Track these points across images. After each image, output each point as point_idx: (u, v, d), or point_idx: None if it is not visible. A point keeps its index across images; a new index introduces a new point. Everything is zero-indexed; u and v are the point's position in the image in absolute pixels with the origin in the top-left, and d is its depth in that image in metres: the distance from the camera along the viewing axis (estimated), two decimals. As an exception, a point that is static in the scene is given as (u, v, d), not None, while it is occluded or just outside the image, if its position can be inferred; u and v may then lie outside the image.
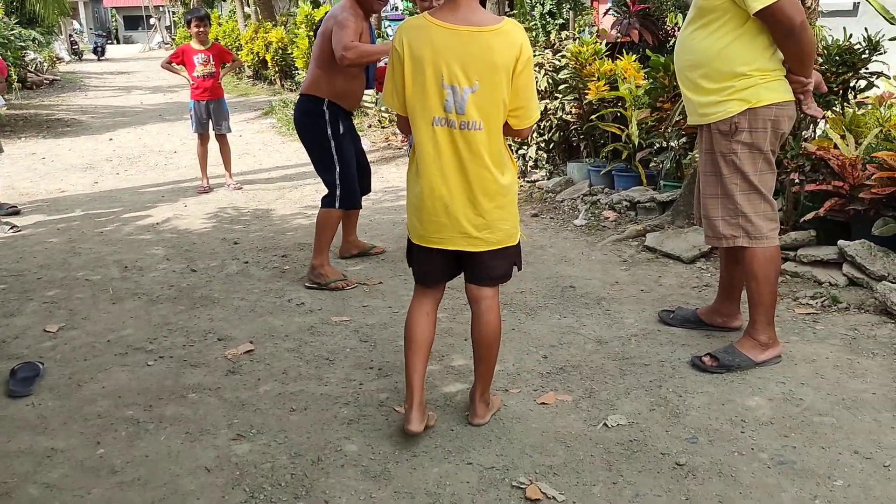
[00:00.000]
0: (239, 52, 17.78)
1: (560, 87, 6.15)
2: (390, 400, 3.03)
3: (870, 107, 4.39)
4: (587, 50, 5.99)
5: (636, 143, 5.41)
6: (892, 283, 3.51)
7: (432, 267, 2.69)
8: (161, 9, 46.70)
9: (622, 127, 5.52)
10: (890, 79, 4.46)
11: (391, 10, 14.27)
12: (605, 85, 5.62)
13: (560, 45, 6.69)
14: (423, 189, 2.53)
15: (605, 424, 2.80)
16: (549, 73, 6.22)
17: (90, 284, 4.50)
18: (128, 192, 7.08)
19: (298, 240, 5.28)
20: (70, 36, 34.94)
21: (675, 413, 2.85)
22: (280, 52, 15.22)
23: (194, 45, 6.91)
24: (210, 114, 6.95)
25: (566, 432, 2.76)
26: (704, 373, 3.13)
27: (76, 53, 34.32)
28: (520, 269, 2.77)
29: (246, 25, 18.72)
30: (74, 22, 42.16)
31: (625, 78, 5.51)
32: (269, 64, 15.94)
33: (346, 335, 3.67)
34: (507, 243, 2.61)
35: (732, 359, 3.13)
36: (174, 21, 39.00)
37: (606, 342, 3.48)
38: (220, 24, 21.28)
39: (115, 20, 56.02)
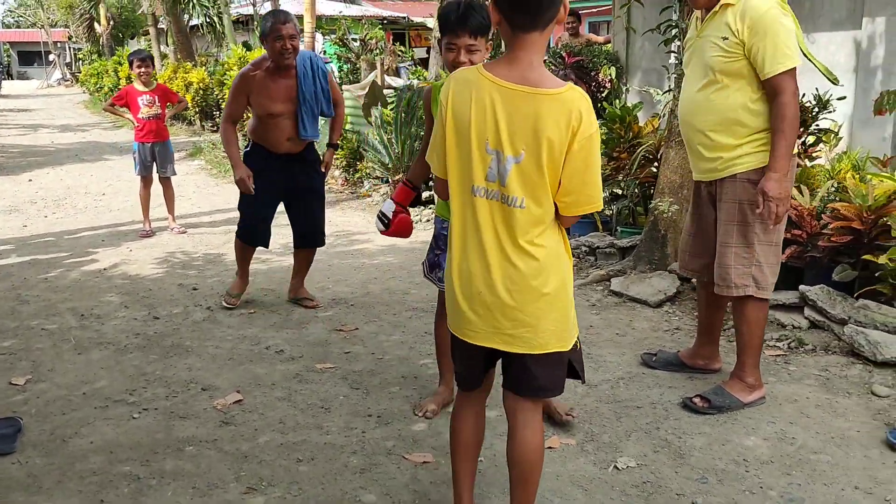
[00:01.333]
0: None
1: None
2: (397, 448, 3.01)
3: (821, 160, 4.70)
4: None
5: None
6: (855, 325, 3.74)
7: (470, 364, 2.30)
8: (60, 45, 45.27)
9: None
10: (838, 135, 4.78)
11: (319, 54, 14.31)
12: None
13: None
14: (456, 269, 2.18)
15: (615, 467, 2.86)
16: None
17: (48, 334, 4.29)
18: (63, 236, 6.78)
19: (259, 284, 5.19)
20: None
21: (680, 454, 2.94)
22: (201, 92, 14.99)
23: (138, 86, 6.76)
24: (155, 156, 6.79)
25: (580, 476, 2.81)
26: (697, 414, 3.25)
27: None
28: (582, 381, 2.39)
29: (163, 65, 18.37)
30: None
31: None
32: (190, 105, 15.66)
33: (335, 382, 3.63)
34: (554, 348, 2.17)
35: (723, 400, 3.26)
36: (76, 57, 37.87)
37: (595, 385, 3.57)
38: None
39: (9, 55, 53.89)
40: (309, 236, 4.70)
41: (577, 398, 3.42)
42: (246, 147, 4.63)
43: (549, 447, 3.01)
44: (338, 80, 11.57)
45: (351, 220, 7.33)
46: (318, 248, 4.83)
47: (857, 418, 3.19)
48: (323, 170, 4.71)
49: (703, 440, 3.04)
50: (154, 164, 6.82)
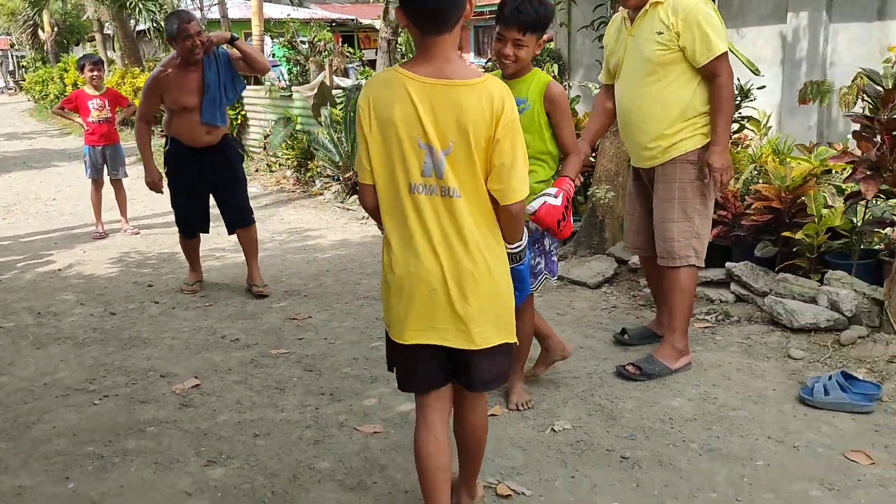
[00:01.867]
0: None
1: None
2: (349, 421, 3.20)
3: (745, 145, 5.00)
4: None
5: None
6: (775, 296, 4.03)
7: (422, 370, 2.23)
8: (1, 53, 44.33)
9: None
10: (760, 123, 5.09)
11: (268, 56, 14.38)
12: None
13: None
14: (403, 270, 2.12)
15: (552, 430, 3.08)
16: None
17: (5, 332, 4.38)
18: (15, 241, 6.81)
19: (213, 279, 5.32)
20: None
21: (612, 416, 3.18)
22: (150, 97, 14.93)
23: (88, 90, 6.83)
24: (106, 159, 6.89)
25: (519, 438, 3.03)
26: (629, 380, 3.50)
27: None
28: (511, 371, 2.45)
29: (110, 71, 18.21)
30: None
31: (521, 122, 5.95)
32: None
33: (289, 366, 3.80)
34: (499, 340, 2.19)
35: (653, 367, 3.52)
36: (19, 65, 37.14)
37: (535, 360, 3.78)
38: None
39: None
40: (236, 218, 4.93)
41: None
42: (166, 145, 4.87)
43: (493, 415, 3.22)
44: (287, 82, 11.67)
45: (303, 217, 7.47)
46: (258, 234, 5.06)
47: (774, 379, 3.47)
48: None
49: (633, 403, 3.29)
50: (105, 166, 6.91)
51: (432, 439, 2.25)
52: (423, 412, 2.28)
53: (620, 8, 3.60)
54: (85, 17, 25.09)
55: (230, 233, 5.06)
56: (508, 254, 2.27)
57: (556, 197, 2.85)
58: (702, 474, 2.74)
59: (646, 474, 2.75)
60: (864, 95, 3.89)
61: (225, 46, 4.81)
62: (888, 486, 2.62)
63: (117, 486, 2.74)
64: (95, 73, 6.79)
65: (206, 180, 4.84)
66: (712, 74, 3.33)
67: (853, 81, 4.82)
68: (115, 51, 19.68)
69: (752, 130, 6.28)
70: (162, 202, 8.61)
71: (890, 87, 3.77)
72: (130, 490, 2.73)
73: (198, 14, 17.44)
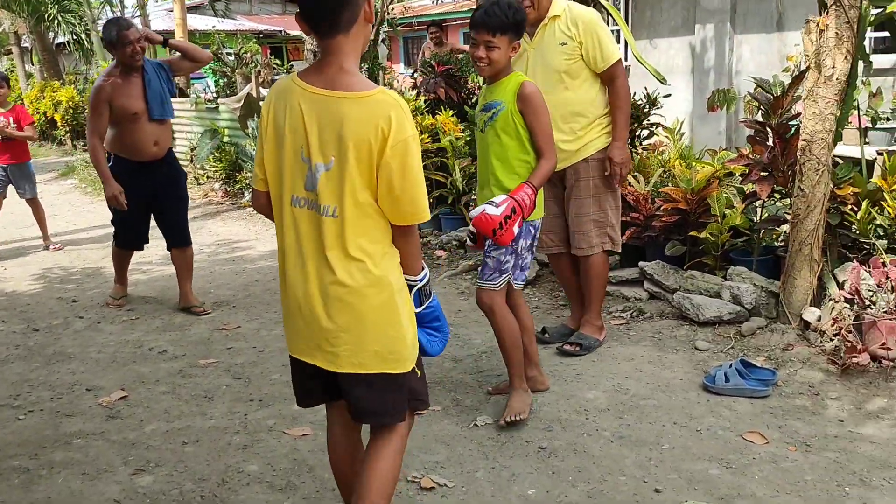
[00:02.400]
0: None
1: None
2: (278, 425, 3.28)
3: (654, 152, 5.26)
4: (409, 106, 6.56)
5: (460, 189, 6.01)
6: (684, 292, 4.27)
7: (303, 385, 2.24)
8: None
9: (446, 175, 6.11)
10: (668, 128, 5.36)
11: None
12: (428, 138, 6.20)
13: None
14: (284, 282, 2.11)
15: (475, 424, 3.23)
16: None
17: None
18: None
19: (140, 293, 5.31)
20: None
21: (531, 410, 3.34)
22: (71, 111, 14.65)
23: None
24: (10, 178, 6.74)
25: (444, 434, 3.17)
26: (571, 356, 3.86)
27: None
28: (425, 406, 2.29)
29: (29, 84, 17.75)
30: None
31: (445, 131, 6.12)
32: (59, 124, 15.25)
33: (217, 375, 3.85)
34: (379, 369, 2.06)
35: (587, 342, 3.89)
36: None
37: (461, 360, 3.94)
38: (-5, 83, 19.96)
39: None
40: (178, 237, 4.92)
41: (445, 372, 3.78)
42: (109, 163, 4.73)
43: (418, 413, 3.34)
44: (213, 94, 11.60)
45: (232, 229, 7.48)
46: (193, 255, 5.05)
47: (682, 369, 3.69)
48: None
49: (551, 397, 3.46)
50: (10, 185, 6.77)
51: (332, 453, 2.34)
52: (327, 425, 2.33)
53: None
54: (1, 30, 24.34)
55: (169, 248, 4.99)
56: (411, 288, 2.13)
57: (497, 206, 2.95)
58: (613, 459, 2.92)
59: (561, 462, 2.91)
60: (757, 102, 4.16)
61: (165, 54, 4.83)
62: (779, 463, 2.85)
63: (45, 498, 2.77)
64: (2, 90, 6.63)
65: (153, 197, 4.80)
66: (611, 78, 3.67)
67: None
68: (33, 64, 19.16)
69: (666, 137, 6.59)
70: (85, 216, 8.51)
71: (779, 94, 4.06)
72: (58, 501, 2.76)
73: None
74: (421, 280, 2.16)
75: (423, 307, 2.17)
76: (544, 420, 3.25)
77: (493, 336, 4.20)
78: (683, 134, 7.03)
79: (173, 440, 3.18)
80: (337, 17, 1.96)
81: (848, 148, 4.66)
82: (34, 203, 6.84)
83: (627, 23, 8.24)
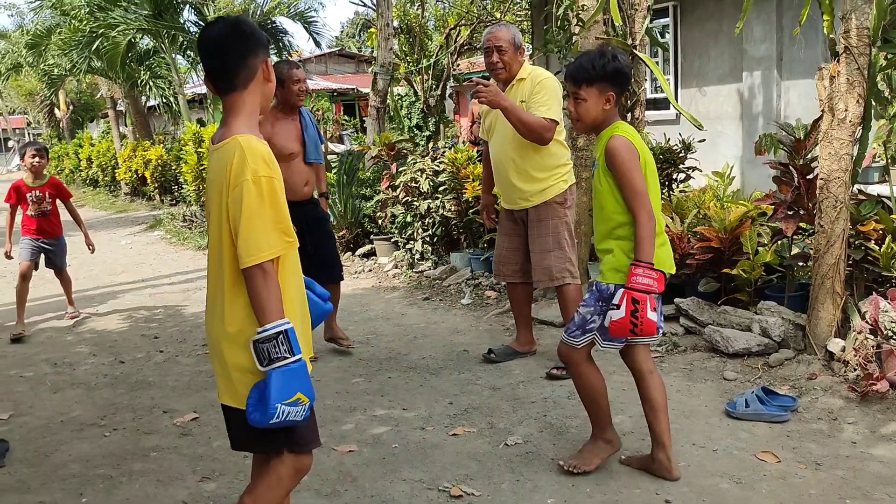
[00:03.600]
0: (116, 170, 18.13)
1: (440, 189, 7.07)
2: (328, 442, 3.62)
3: (689, 193, 5.50)
4: (462, 156, 6.98)
5: (509, 233, 6.34)
6: (715, 326, 4.47)
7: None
8: (18, 131, 45.85)
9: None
10: (702, 172, 5.60)
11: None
12: (479, 185, 6.56)
13: (436, 153, 7.66)
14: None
15: (505, 444, 3.51)
16: (430, 177, 7.14)
17: (25, 380, 4.85)
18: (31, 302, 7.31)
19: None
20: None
21: (560, 432, 3.60)
22: (160, 168, 15.68)
23: (28, 180, 6.17)
24: (43, 252, 6.28)
25: (476, 452, 3.45)
26: (558, 380, 4.21)
27: None
28: (301, 450, 2.27)
29: (122, 145, 19.04)
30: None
31: (496, 179, 6.48)
32: (149, 180, 16.32)
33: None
34: (228, 402, 2.19)
35: None
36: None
37: (499, 388, 4.22)
38: (92, 145, 21.45)
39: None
40: (329, 273, 4.91)
41: (483, 399, 4.08)
42: None
43: (455, 434, 3.65)
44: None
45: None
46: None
47: (708, 397, 3.89)
48: None
49: (579, 421, 3.70)
50: (42, 256, 6.29)
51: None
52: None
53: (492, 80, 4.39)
54: (98, 95, 26.20)
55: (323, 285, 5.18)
56: (254, 347, 2.06)
57: (617, 307, 2.81)
58: (630, 475, 3.15)
59: (582, 477, 3.16)
60: (781, 145, 4.39)
61: None
62: (787, 479, 3.03)
63: (124, 499, 3.18)
64: (38, 160, 6.11)
65: (300, 234, 4.98)
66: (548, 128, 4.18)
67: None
68: (126, 126, 20.55)
69: (716, 180, 6.81)
70: (169, 264, 9.17)
71: (801, 137, 4.28)
72: (136, 502, 3.17)
73: (203, 90, 18.32)
74: (259, 332, 2.06)
75: (269, 366, 2.05)
76: (571, 441, 3.50)
77: (532, 368, 4.52)
78: (734, 178, 7.23)
79: (235, 454, 3.54)
80: (234, 77, 2.15)
81: (877, 186, 4.81)
82: (62, 275, 6.48)
83: (676, 72, 8.52)
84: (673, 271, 3.02)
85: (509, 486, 3.12)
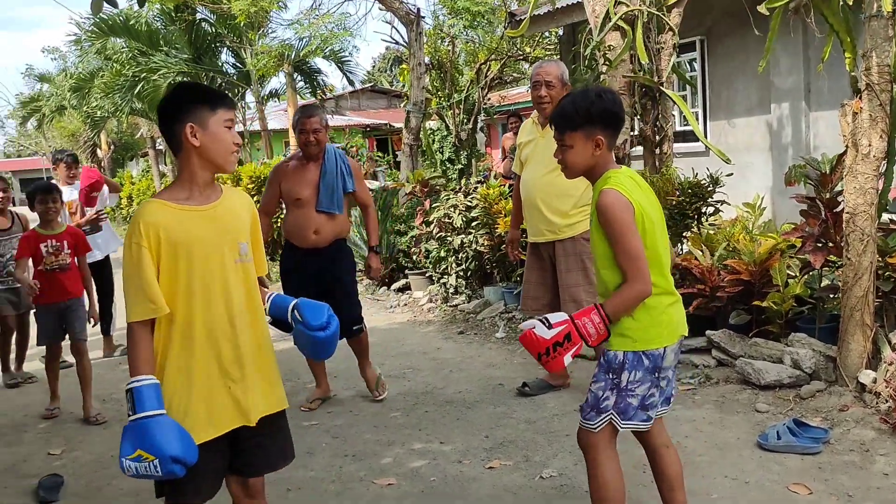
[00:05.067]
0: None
1: (473, 224, 7.22)
2: (368, 476, 3.75)
3: (719, 225, 5.57)
4: (494, 192, 7.12)
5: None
6: (747, 358, 4.52)
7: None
8: (61, 170, 47.14)
9: (528, 254, 6.57)
10: (731, 205, 5.66)
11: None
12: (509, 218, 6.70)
13: (469, 188, 7.82)
14: None
15: (541, 477, 3.60)
16: (463, 213, 7.30)
17: (76, 416, 5.03)
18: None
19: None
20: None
21: None
22: (199, 206, 16.06)
23: (41, 229, 5.14)
24: (62, 318, 5.05)
25: (512, 484, 3.55)
26: None
27: None
28: (169, 500, 2.44)
29: (162, 183, 19.56)
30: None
31: (527, 214, 6.62)
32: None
33: (318, 434, 4.37)
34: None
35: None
36: (78, 181, 39.39)
37: (534, 422, 4.31)
38: (133, 183, 22.06)
39: (11, 182, 55.72)
40: (345, 327, 4.27)
41: (519, 432, 4.17)
42: (282, 249, 4.96)
43: (491, 467, 3.75)
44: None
45: (337, 309, 8.13)
46: (368, 338, 5.02)
47: (740, 429, 3.94)
48: (371, 276, 5.07)
49: (613, 454, 3.78)
50: (61, 328, 5.07)
51: None
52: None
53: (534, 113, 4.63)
54: (139, 135, 26.96)
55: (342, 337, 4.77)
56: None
57: (549, 327, 2.50)
58: (662, 508, 3.22)
59: (615, 509, 3.23)
60: (807, 179, 4.46)
61: None
62: (819, 510, 3.08)
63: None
64: (51, 205, 5.09)
65: (315, 284, 4.58)
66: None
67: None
68: (166, 164, 21.10)
69: (747, 212, 6.86)
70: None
71: (827, 171, 4.35)
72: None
73: (239, 127, 18.79)
74: (128, 384, 2.22)
75: (130, 419, 2.20)
76: (605, 473, 3.57)
77: (566, 401, 4.60)
78: (764, 209, 7.27)
79: (279, 487, 3.68)
80: (169, 142, 2.40)
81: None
82: (81, 351, 5.06)
83: (705, 105, 8.61)
84: (686, 333, 2.68)
85: (544, 519, 3.21)
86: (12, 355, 6.16)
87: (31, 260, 5.06)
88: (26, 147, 53.65)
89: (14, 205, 6.29)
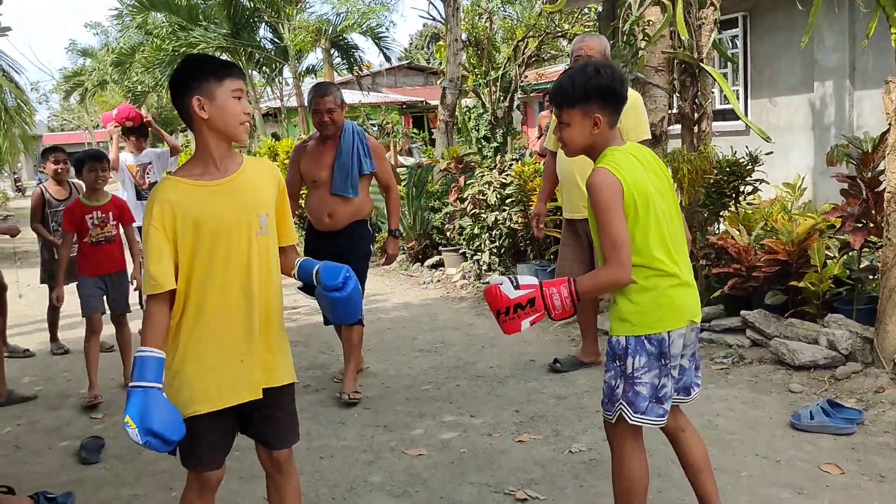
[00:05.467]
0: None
1: (507, 201, 7.21)
2: (399, 446, 3.80)
3: (757, 205, 5.51)
4: (528, 169, 7.10)
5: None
6: (782, 339, 4.48)
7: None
8: (102, 144, 47.94)
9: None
10: (769, 184, 5.59)
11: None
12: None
13: (504, 165, 7.80)
14: None
15: (570, 451, 3.62)
16: (497, 190, 7.29)
17: (116, 382, 5.16)
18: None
19: (291, 339, 6.03)
20: (14, 173, 35.57)
21: None
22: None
23: (85, 200, 4.96)
24: (106, 291, 4.97)
25: (541, 458, 3.57)
26: None
27: (19, 190, 34.95)
28: (183, 465, 2.53)
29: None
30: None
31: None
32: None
33: (350, 405, 4.44)
34: None
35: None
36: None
37: (565, 398, 4.33)
38: (172, 157, 22.35)
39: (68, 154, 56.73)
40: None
41: (549, 407, 4.19)
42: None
43: (520, 440, 3.78)
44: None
45: (371, 283, 8.16)
46: (361, 334, 4.74)
47: (772, 409, 3.92)
48: (387, 262, 4.99)
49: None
50: (104, 300, 4.99)
51: None
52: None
53: None
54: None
55: (326, 323, 4.81)
56: None
57: (517, 288, 2.44)
58: (686, 482, 3.22)
59: (644, 484, 3.25)
60: (849, 158, 4.38)
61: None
62: (850, 490, 3.06)
63: (210, 494, 3.41)
64: (100, 173, 4.89)
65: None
66: None
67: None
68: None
69: (788, 192, 6.76)
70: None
71: (869, 150, 4.27)
72: (221, 497, 3.37)
73: (277, 104, 18.92)
74: (136, 352, 2.30)
75: (129, 385, 2.26)
76: (634, 449, 3.58)
77: (597, 378, 4.60)
78: (805, 189, 7.15)
79: (312, 455, 3.76)
80: (183, 118, 2.39)
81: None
82: (123, 322, 5.07)
83: (746, 82, 8.47)
84: (698, 320, 2.56)
85: (573, 492, 3.23)
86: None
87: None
88: (69, 121, 54.60)
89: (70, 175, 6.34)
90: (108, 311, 5.07)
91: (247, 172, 2.41)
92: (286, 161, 11.41)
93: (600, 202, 2.37)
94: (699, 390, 2.68)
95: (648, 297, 2.42)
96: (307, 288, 2.63)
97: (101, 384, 5.01)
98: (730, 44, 8.78)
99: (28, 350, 6.16)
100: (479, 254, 7.59)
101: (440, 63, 12.50)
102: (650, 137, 4.30)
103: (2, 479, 3.59)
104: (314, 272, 2.51)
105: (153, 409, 2.17)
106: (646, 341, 2.43)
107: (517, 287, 2.43)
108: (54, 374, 5.50)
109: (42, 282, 6.18)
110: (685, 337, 2.51)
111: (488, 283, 2.51)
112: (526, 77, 12.52)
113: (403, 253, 8.84)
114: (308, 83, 20.22)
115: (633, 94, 4.29)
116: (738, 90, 8.60)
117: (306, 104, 4.50)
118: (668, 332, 2.43)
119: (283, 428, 2.56)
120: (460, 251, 8.00)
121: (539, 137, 9.85)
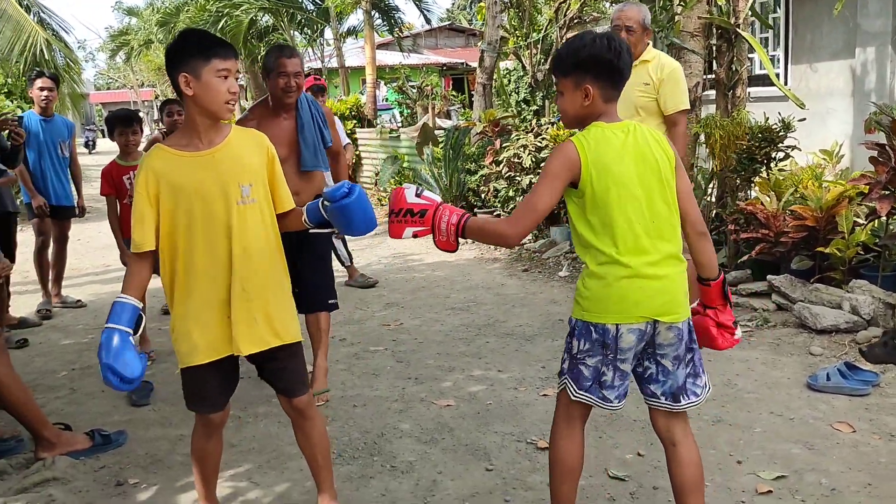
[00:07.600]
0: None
1: (542, 164, 7.30)
2: (428, 397, 4.00)
3: (788, 172, 5.54)
4: (564, 133, 7.18)
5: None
6: (805, 303, 4.56)
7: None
8: (147, 103, 48.58)
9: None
10: (801, 150, 5.61)
11: (382, 100, 15.60)
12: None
13: (540, 129, 7.88)
14: None
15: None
16: (532, 153, 7.38)
17: (164, 332, 5.42)
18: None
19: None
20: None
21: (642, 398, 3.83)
22: (278, 141, 16.49)
23: (121, 161, 4.86)
24: None
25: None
26: None
27: (86, 146, 35.48)
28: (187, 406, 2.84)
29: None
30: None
31: (595, 155, 6.67)
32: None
33: (384, 358, 4.65)
34: None
35: None
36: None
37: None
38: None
39: (101, 114, 57.77)
40: (304, 300, 3.74)
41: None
42: None
43: (545, 394, 3.95)
44: (399, 124, 12.75)
45: (406, 244, 8.38)
46: (329, 324, 4.29)
47: (791, 370, 4.03)
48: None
49: (663, 387, 3.93)
50: None
51: None
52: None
53: None
54: (221, 70, 27.43)
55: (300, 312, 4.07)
56: None
57: (418, 196, 2.40)
58: (707, 437, 3.37)
59: (657, 437, 3.39)
60: (879, 125, 4.40)
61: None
62: (859, 447, 3.18)
63: (250, 437, 3.65)
64: (130, 137, 4.86)
65: (291, 250, 3.28)
66: (673, 123, 4.23)
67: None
68: (248, 100, 21.57)
69: (824, 159, 6.76)
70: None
71: (900, 117, 4.29)
72: (260, 439, 3.63)
73: (317, 63, 19.05)
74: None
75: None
76: (653, 405, 3.73)
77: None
78: (843, 156, 7.12)
79: (346, 403, 3.98)
80: (174, 90, 2.50)
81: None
82: None
83: (787, 48, 8.37)
84: (662, 319, 2.30)
85: (592, 442, 3.39)
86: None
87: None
88: (115, 80, 55.40)
89: (104, 136, 6.38)
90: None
91: (231, 144, 2.53)
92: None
93: (546, 168, 2.30)
94: (696, 401, 2.44)
95: (598, 285, 2.29)
96: (322, 225, 2.68)
97: (150, 334, 5.30)
98: (772, 7, 8.68)
99: (80, 301, 6.49)
100: (513, 216, 7.70)
101: (482, 24, 12.49)
102: (688, 108, 4.32)
103: (60, 417, 3.89)
104: (320, 201, 2.61)
105: (114, 348, 2.37)
106: (591, 328, 2.31)
107: (419, 196, 2.39)
108: (104, 323, 5.78)
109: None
110: (659, 335, 2.33)
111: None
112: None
113: (439, 214, 9.00)
114: (349, 45, 20.31)
115: (670, 65, 4.30)
116: (777, 56, 8.52)
117: (265, 67, 3.94)
118: (617, 325, 2.28)
119: (291, 379, 2.82)
120: (495, 213, 8.13)
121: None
